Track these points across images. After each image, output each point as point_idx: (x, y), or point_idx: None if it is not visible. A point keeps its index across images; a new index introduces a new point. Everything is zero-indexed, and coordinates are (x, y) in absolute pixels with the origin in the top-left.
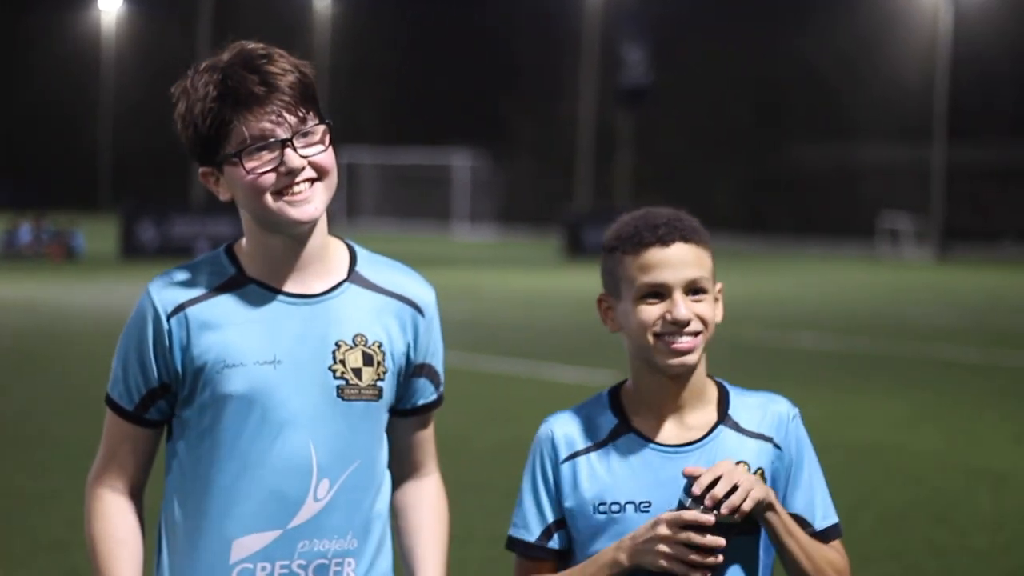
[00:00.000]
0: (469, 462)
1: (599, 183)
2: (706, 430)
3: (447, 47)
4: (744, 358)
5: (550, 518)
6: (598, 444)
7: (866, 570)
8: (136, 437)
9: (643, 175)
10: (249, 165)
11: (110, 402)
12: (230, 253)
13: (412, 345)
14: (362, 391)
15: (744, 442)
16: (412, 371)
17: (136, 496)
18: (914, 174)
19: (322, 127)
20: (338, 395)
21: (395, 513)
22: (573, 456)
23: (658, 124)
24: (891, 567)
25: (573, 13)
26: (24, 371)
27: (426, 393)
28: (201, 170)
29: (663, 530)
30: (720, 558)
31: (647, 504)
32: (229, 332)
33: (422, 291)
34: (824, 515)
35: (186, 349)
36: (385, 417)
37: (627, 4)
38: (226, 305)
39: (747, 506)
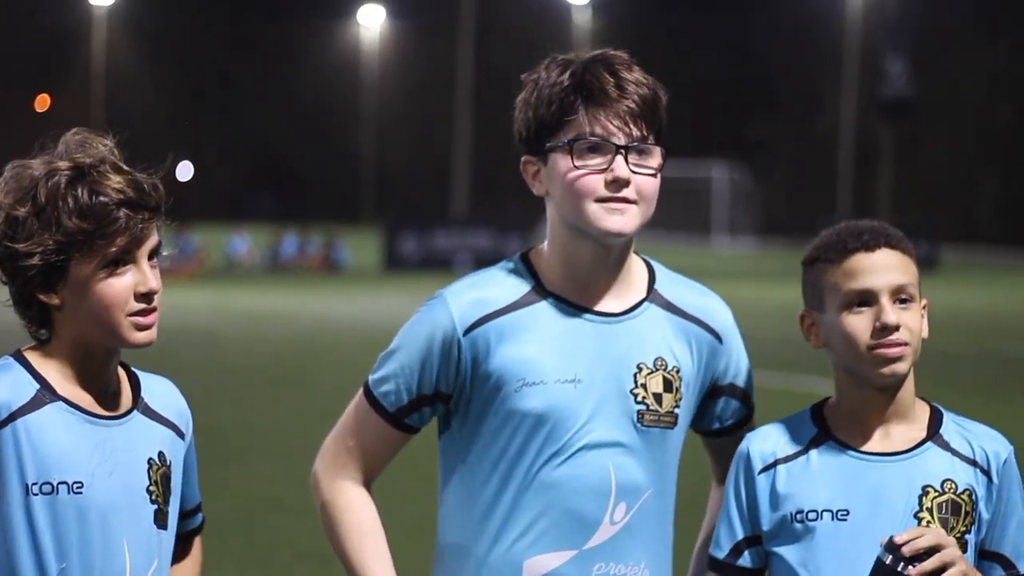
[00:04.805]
0: None
1: (859, 196)
2: (912, 444)
3: (706, 60)
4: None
5: (739, 535)
6: (796, 453)
7: None
8: (388, 438)
9: (904, 187)
10: (578, 161)
11: (369, 396)
12: (527, 263)
13: (711, 372)
14: (661, 417)
15: (954, 462)
16: (714, 392)
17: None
18: None
19: (659, 151)
20: (638, 420)
21: None
22: (769, 467)
23: (919, 136)
24: None
25: (833, 25)
26: (287, 383)
27: (736, 412)
28: (524, 158)
29: None
30: None
31: (844, 512)
32: (528, 349)
33: (719, 313)
34: None
35: (479, 365)
36: (679, 444)
37: (889, 15)
38: (525, 320)
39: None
